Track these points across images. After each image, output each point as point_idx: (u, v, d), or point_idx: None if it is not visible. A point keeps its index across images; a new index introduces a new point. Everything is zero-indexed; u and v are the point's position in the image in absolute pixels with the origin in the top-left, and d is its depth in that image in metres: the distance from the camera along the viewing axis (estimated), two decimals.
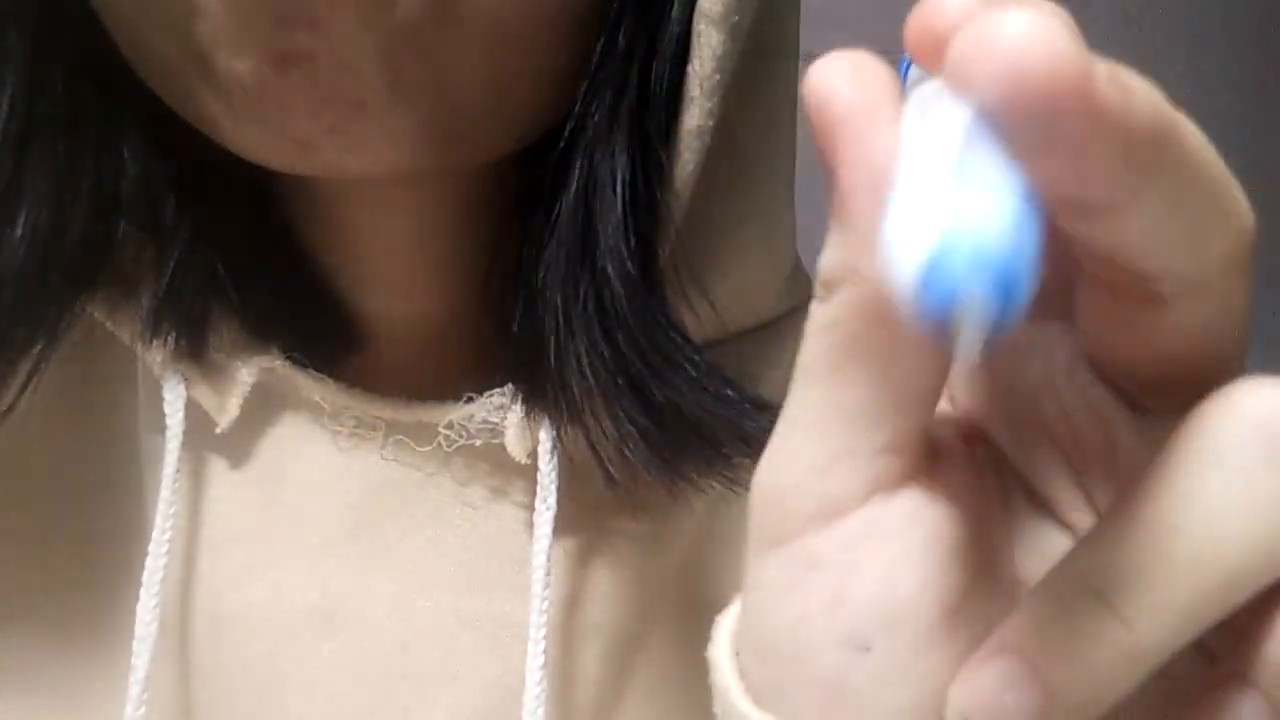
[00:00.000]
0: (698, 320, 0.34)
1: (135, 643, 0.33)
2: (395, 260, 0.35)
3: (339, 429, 0.35)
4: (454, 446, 0.34)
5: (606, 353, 0.30)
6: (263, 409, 0.35)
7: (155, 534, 0.33)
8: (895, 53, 0.20)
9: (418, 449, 0.35)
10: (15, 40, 0.31)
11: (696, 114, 0.31)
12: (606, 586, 0.36)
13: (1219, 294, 0.18)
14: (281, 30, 0.27)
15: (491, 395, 0.33)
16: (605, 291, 0.30)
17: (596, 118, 0.31)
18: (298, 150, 0.29)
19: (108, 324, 0.34)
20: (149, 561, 0.33)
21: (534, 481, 0.34)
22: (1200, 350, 0.19)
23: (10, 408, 0.33)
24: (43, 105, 0.31)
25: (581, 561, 0.36)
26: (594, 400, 0.31)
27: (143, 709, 0.32)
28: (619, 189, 0.30)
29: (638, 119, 0.31)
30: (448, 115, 0.29)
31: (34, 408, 0.36)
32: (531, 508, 0.34)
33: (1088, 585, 0.18)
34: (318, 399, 0.35)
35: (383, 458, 0.35)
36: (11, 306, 0.31)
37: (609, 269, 0.30)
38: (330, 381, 0.35)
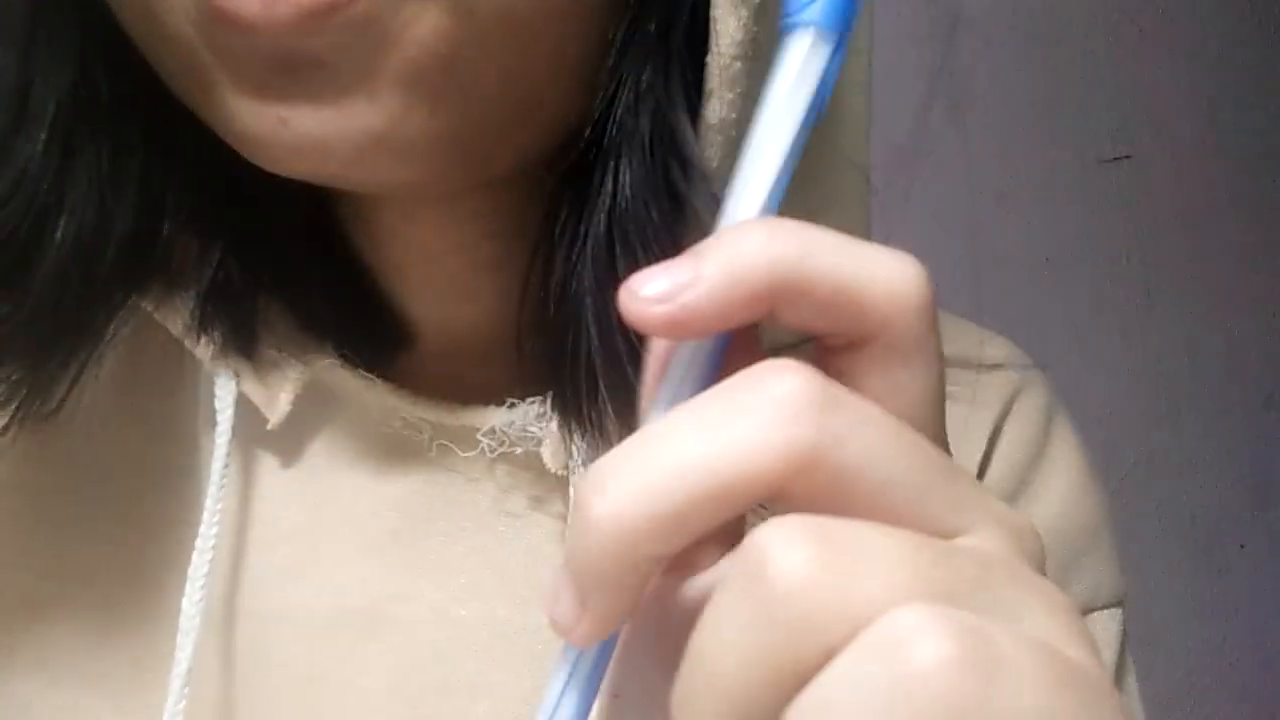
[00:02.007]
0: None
1: (179, 636, 0.33)
2: (436, 264, 0.35)
3: (386, 430, 0.35)
4: (496, 454, 0.34)
5: (632, 369, 0.30)
6: (313, 408, 0.35)
7: (202, 529, 0.34)
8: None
9: (462, 454, 0.35)
10: (59, 43, 0.31)
11: (717, 107, 0.31)
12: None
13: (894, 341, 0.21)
14: (288, 65, 0.27)
15: (533, 403, 0.34)
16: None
17: (618, 116, 0.30)
18: (316, 177, 0.29)
19: (157, 317, 0.34)
20: (195, 556, 0.33)
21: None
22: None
23: (59, 406, 0.33)
24: (86, 107, 0.31)
25: None
26: (625, 414, 0.31)
27: (183, 703, 0.33)
28: (645, 190, 0.30)
29: (661, 115, 0.30)
30: (469, 127, 0.29)
31: (96, 403, 0.37)
32: (567, 520, 0.34)
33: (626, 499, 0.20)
34: (366, 400, 0.35)
35: (428, 461, 0.36)
36: (58, 304, 0.32)
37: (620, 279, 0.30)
38: (379, 382, 0.35)
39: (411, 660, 0.35)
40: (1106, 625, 0.43)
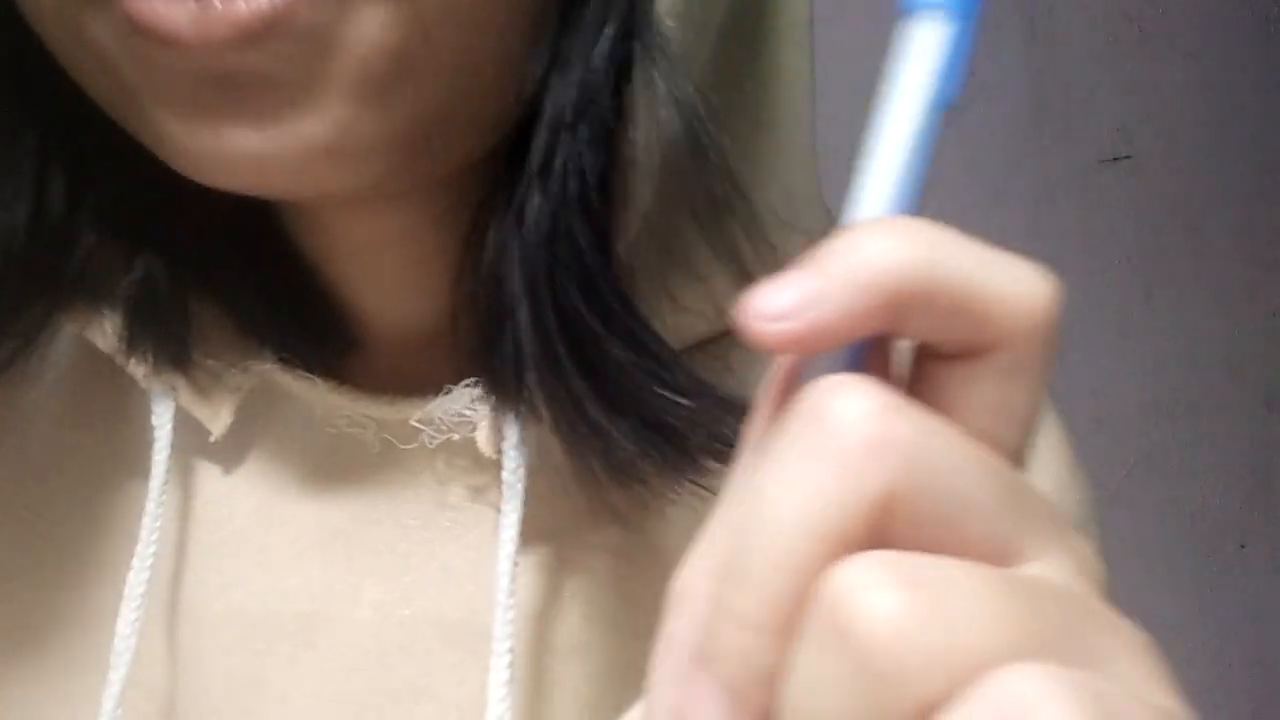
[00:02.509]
0: (687, 315, 0.34)
1: (116, 644, 0.33)
2: (377, 256, 0.35)
3: (330, 430, 0.35)
4: (435, 443, 0.34)
5: (563, 347, 0.30)
6: (256, 412, 0.35)
7: (139, 548, 0.33)
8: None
9: (403, 448, 0.34)
10: None
11: (653, 78, 0.30)
12: (583, 602, 0.35)
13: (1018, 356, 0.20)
14: (225, 83, 0.26)
15: (466, 386, 0.33)
16: (564, 285, 0.30)
17: (547, 103, 0.29)
18: (254, 189, 0.28)
19: (84, 335, 0.33)
20: (131, 575, 0.33)
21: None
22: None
23: None
24: None
25: (554, 573, 0.35)
26: (551, 396, 0.31)
27: (119, 710, 0.32)
28: (574, 177, 0.30)
29: (589, 102, 0.29)
30: (418, 126, 0.28)
31: (44, 408, 0.36)
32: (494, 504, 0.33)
33: (718, 576, 0.19)
34: (308, 400, 0.34)
35: (372, 459, 0.35)
36: None
37: (568, 261, 0.30)
38: (320, 382, 0.34)
39: (355, 663, 0.35)
40: None
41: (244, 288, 0.34)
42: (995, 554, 0.18)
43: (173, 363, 0.33)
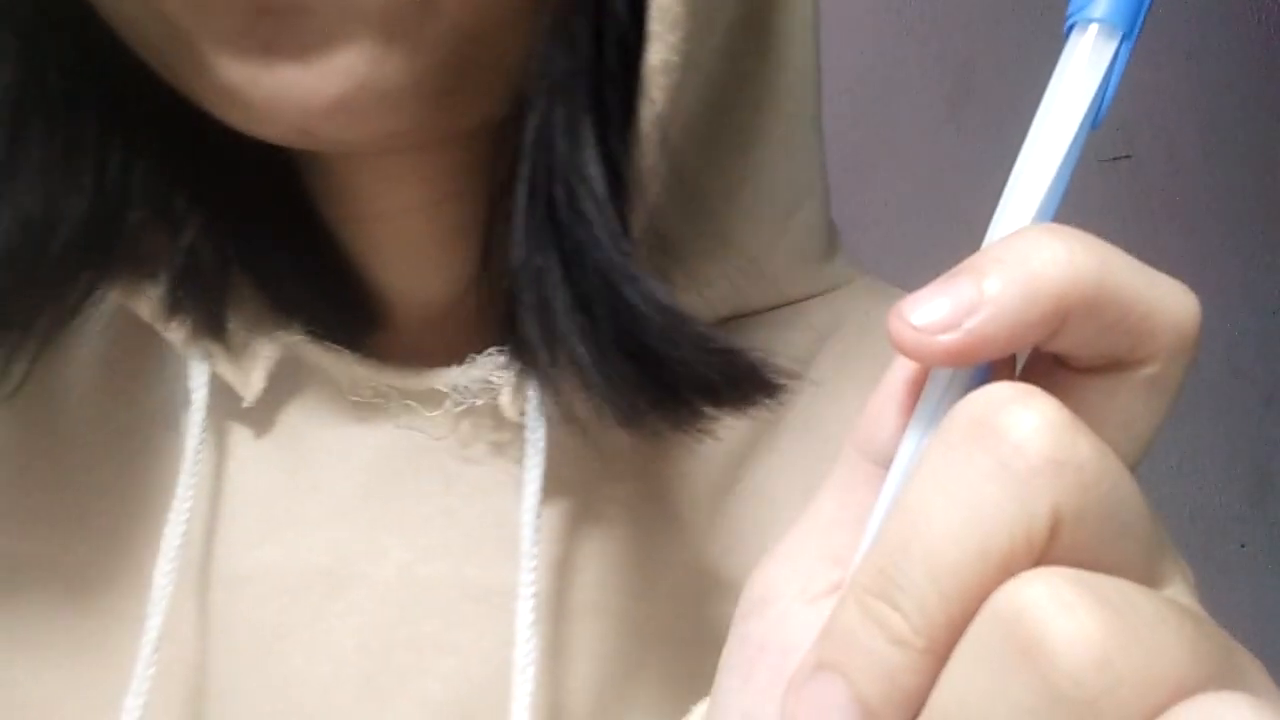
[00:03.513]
0: (700, 296, 0.34)
1: (150, 604, 0.34)
2: (406, 230, 0.36)
3: (355, 399, 0.36)
4: (460, 409, 0.35)
5: (569, 302, 0.30)
6: (285, 381, 0.36)
7: (175, 503, 0.34)
8: None
9: (428, 414, 0.36)
10: (6, 32, 0.31)
11: (660, 49, 0.30)
12: (603, 556, 0.36)
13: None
14: (268, 10, 0.27)
15: (491, 354, 0.34)
16: (566, 243, 0.30)
17: (559, 64, 0.30)
18: (296, 132, 0.29)
19: (126, 304, 0.35)
20: (167, 529, 0.34)
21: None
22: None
23: (17, 387, 0.34)
24: (35, 96, 0.32)
25: (573, 528, 0.36)
26: (561, 350, 0.31)
27: (153, 669, 0.33)
28: (585, 140, 0.30)
29: (593, 57, 0.30)
30: (443, 71, 0.29)
31: (78, 380, 0.38)
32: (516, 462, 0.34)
33: (867, 586, 0.18)
34: (335, 372, 0.36)
35: (396, 426, 0.36)
36: (5, 288, 0.32)
37: (570, 219, 0.30)
38: (347, 354, 0.35)
39: (378, 619, 0.36)
40: None
41: (277, 264, 0.36)
42: (1145, 578, 0.18)
43: (210, 331, 0.35)
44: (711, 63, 0.32)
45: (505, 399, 0.34)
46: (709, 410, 0.31)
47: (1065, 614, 0.16)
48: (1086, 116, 0.21)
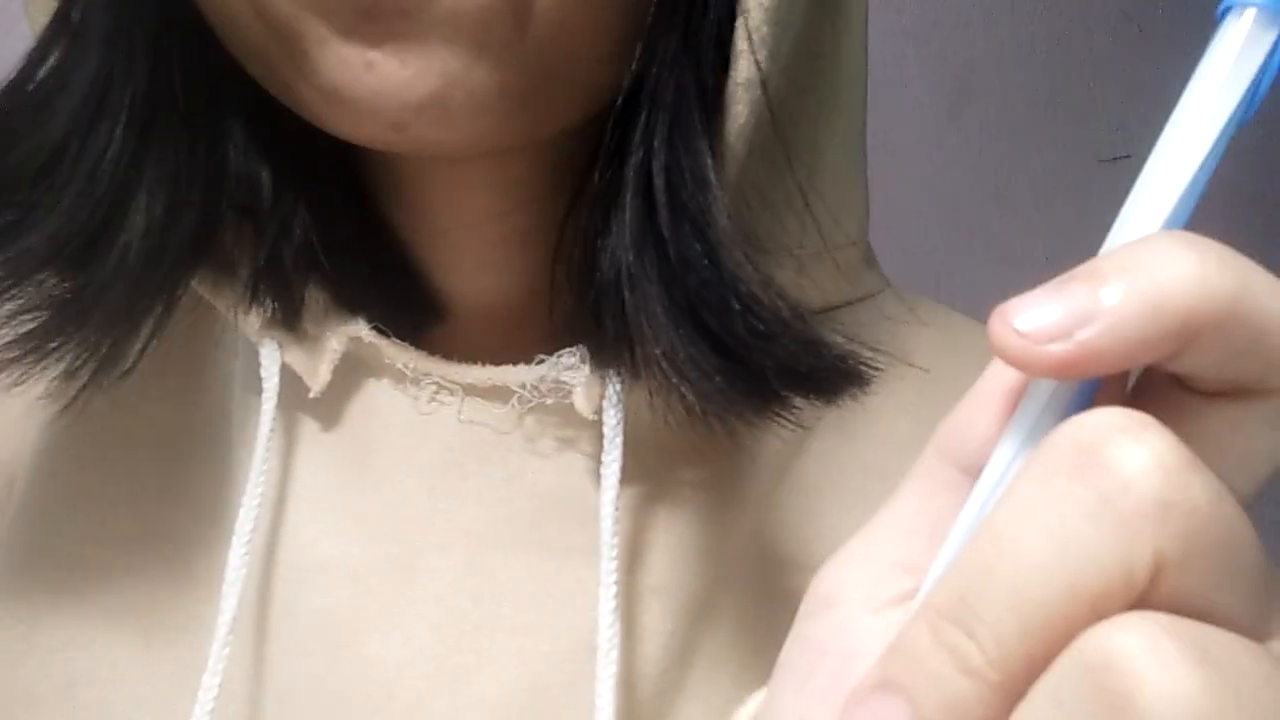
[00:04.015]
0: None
1: (225, 588, 0.35)
2: (474, 235, 0.37)
3: (419, 394, 0.37)
4: (527, 407, 0.36)
5: (666, 301, 0.31)
6: (350, 375, 0.38)
7: (249, 488, 0.35)
8: None
9: (492, 410, 0.37)
10: (136, 38, 0.33)
11: (745, 67, 0.31)
12: (672, 539, 0.37)
13: None
14: (374, 13, 0.29)
15: (562, 356, 0.35)
16: (667, 245, 0.31)
17: (654, 75, 0.31)
18: (391, 129, 0.31)
19: (207, 296, 0.36)
20: (241, 513, 0.35)
21: (600, 434, 0.35)
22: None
23: (130, 368, 0.35)
24: (161, 99, 0.33)
25: (646, 513, 0.37)
26: (656, 348, 0.32)
27: (227, 649, 0.34)
28: (674, 149, 0.31)
29: (695, 74, 0.31)
30: (528, 78, 0.31)
31: (135, 377, 0.39)
32: (598, 458, 0.35)
33: (943, 609, 0.17)
34: (400, 365, 0.37)
35: (460, 420, 0.37)
36: (134, 281, 0.34)
37: (671, 224, 0.31)
38: (412, 349, 0.37)
39: (450, 604, 0.37)
40: None
41: (345, 261, 0.37)
42: (1254, 631, 0.16)
43: (282, 324, 0.36)
44: (779, 78, 0.34)
45: (580, 398, 0.35)
46: (800, 401, 0.32)
47: (1160, 668, 0.15)
48: (1236, 111, 0.19)
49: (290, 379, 0.37)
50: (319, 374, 0.36)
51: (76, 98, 0.33)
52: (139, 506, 0.39)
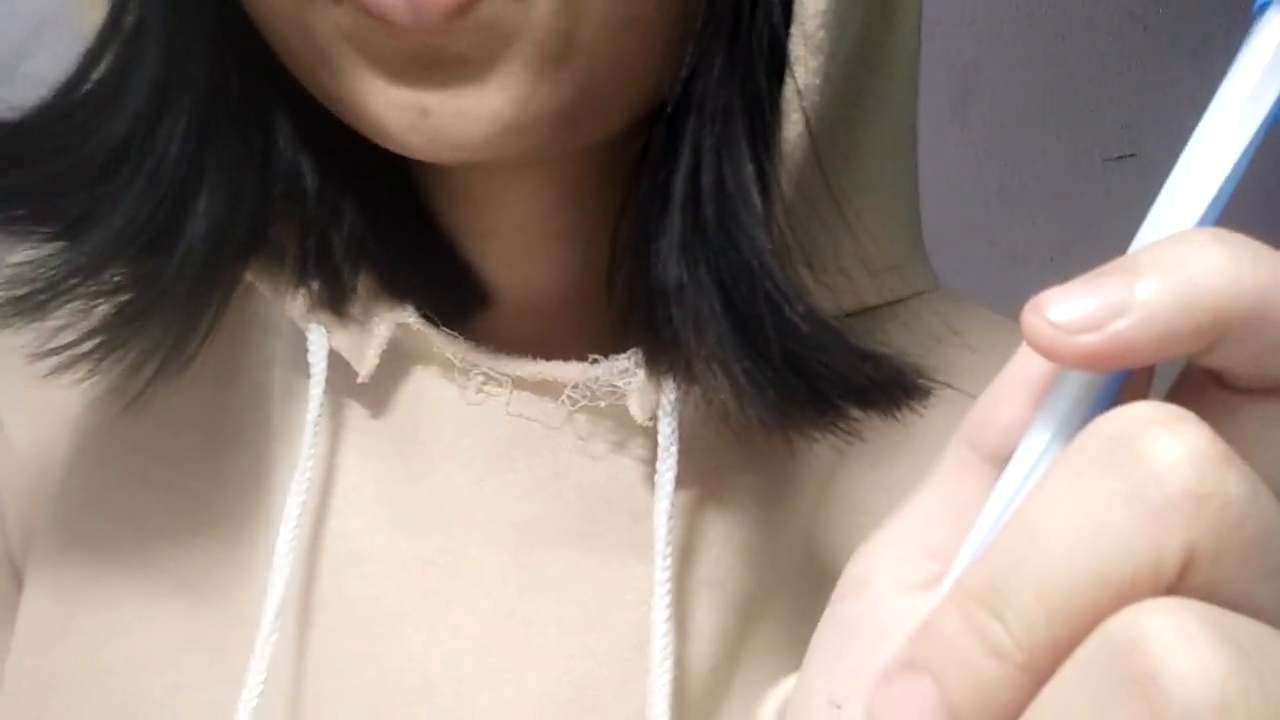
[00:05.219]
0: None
1: (273, 571, 0.35)
2: (520, 233, 0.37)
3: (466, 384, 0.37)
4: (577, 406, 0.36)
5: (722, 313, 0.31)
6: (397, 362, 0.38)
7: (298, 472, 0.36)
8: None
9: (541, 405, 0.37)
10: (195, 46, 0.33)
11: (803, 73, 0.32)
12: (723, 540, 0.37)
13: None
14: (430, 61, 0.29)
15: (617, 360, 0.35)
16: (720, 256, 0.31)
17: (704, 83, 0.31)
18: (444, 160, 0.31)
19: (255, 281, 0.37)
20: (290, 498, 0.35)
21: (653, 438, 0.35)
22: None
23: (194, 355, 0.36)
24: (221, 102, 0.34)
25: (697, 516, 0.37)
26: (712, 359, 0.32)
27: (274, 635, 0.34)
28: (727, 152, 0.31)
29: (746, 81, 0.31)
30: (583, 99, 0.31)
31: (225, 352, 0.40)
32: (651, 462, 0.35)
33: (972, 593, 0.17)
34: (449, 354, 0.37)
35: (508, 413, 0.37)
36: (197, 275, 0.34)
37: (722, 233, 0.31)
38: (460, 339, 0.37)
39: (498, 597, 0.37)
40: None
41: (394, 251, 0.37)
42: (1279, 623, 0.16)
43: (330, 308, 0.37)
44: (836, 80, 0.34)
45: (635, 405, 0.35)
46: (858, 413, 0.32)
47: (1187, 648, 0.15)
48: (1273, 110, 0.18)
49: (336, 364, 0.37)
50: (366, 359, 0.36)
51: (138, 99, 0.33)
52: (178, 489, 0.39)
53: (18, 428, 0.41)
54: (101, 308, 0.34)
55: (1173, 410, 0.17)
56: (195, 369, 0.39)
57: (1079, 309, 0.17)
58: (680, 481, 0.35)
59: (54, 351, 0.34)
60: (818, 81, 0.32)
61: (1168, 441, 0.16)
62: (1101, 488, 0.16)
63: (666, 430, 0.34)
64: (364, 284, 0.37)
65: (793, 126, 0.32)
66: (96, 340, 0.34)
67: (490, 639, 0.37)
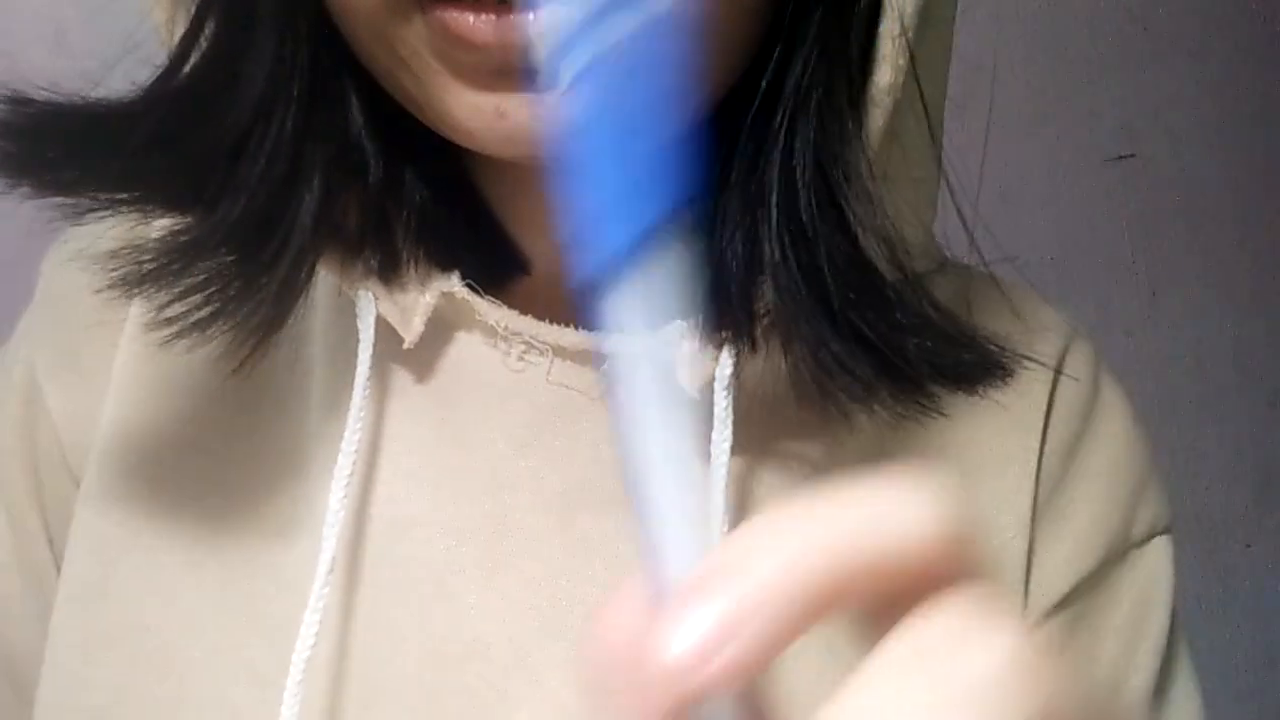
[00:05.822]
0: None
1: (325, 529, 0.35)
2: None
3: (509, 352, 0.38)
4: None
5: (805, 290, 0.32)
6: (441, 329, 0.39)
7: (347, 434, 0.37)
8: None
9: (582, 373, 0.38)
10: (303, 38, 0.35)
11: (889, 71, 0.33)
12: (773, 499, 0.38)
13: None
14: (508, 71, 0.31)
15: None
16: (811, 247, 0.32)
17: (793, 79, 0.33)
18: (508, 143, 0.32)
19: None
20: (341, 459, 0.36)
21: (701, 407, 0.35)
22: None
23: (282, 324, 0.37)
24: (324, 90, 0.36)
25: (747, 477, 0.38)
26: (790, 331, 0.33)
27: (327, 588, 0.35)
28: (802, 144, 0.33)
29: (836, 78, 0.33)
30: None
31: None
32: (697, 432, 0.35)
33: None
34: (492, 321, 0.38)
35: (549, 380, 0.38)
36: (300, 253, 0.36)
37: (813, 226, 0.32)
38: (504, 307, 0.38)
39: (546, 557, 0.37)
40: (1165, 549, 0.47)
41: (439, 219, 0.39)
42: None
43: (379, 276, 0.38)
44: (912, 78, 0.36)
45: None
46: (941, 392, 0.33)
47: None
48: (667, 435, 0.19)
49: (381, 333, 0.37)
50: (413, 325, 0.37)
51: (256, 88, 0.35)
52: (218, 456, 0.40)
53: (56, 396, 0.42)
54: (214, 283, 0.35)
55: (976, 605, 0.17)
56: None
57: (699, 631, 0.17)
58: (735, 449, 0.36)
59: (169, 321, 0.35)
60: (900, 80, 0.33)
61: (987, 638, 0.17)
62: (932, 695, 0.17)
63: (721, 404, 0.35)
64: (412, 254, 0.38)
65: (874, 122, 0.33)
66: (209, 310, 0.35)
67: (541, 600, 0.37)
